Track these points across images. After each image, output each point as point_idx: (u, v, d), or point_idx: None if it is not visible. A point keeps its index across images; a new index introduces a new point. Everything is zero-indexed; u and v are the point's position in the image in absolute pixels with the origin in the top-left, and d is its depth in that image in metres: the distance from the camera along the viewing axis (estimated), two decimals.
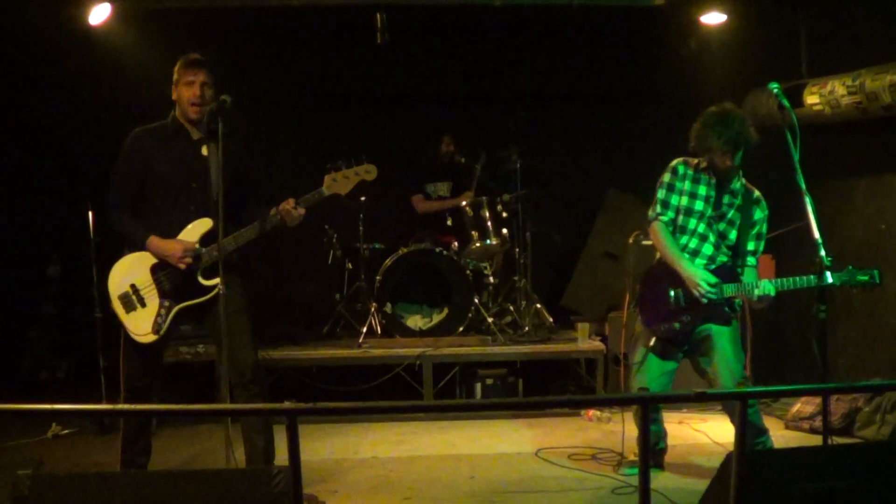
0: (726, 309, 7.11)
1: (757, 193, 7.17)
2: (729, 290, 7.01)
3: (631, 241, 9.78)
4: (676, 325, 7.23)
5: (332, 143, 11.92)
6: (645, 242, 9.61)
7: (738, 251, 7.17)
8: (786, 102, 6.57)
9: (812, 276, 6.46)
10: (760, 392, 7.74)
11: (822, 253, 6.16)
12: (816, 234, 6.20)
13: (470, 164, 11.32)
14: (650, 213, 7.42)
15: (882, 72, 8.38)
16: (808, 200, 6.28)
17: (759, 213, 7.14)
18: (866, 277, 6.34)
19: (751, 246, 7.17)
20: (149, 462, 6.99)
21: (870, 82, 8.47)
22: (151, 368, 6.88)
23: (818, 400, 8.44)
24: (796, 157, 6.38)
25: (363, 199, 10.67)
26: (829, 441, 6.36)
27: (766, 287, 6.82)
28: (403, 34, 10.71)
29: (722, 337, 7.13)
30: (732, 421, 7.34)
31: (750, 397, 6.64)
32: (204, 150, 6.81)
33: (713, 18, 10.47)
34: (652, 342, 7.37)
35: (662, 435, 7.73)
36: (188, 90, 6.75)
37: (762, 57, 10.34)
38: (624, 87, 12.36)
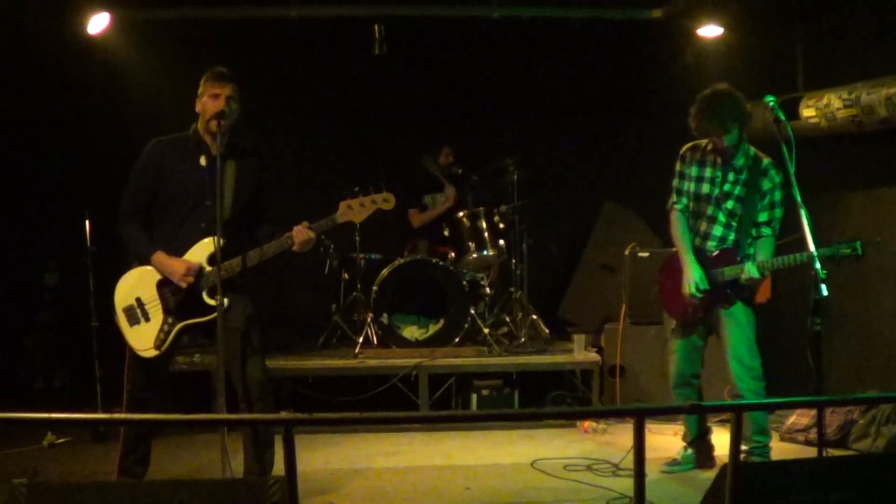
0: (728, 291, 7.28)
1: (766, 162, 7.22)
2: (727, 272, 7.23)
3: (627, 252, 9.82)
4: (689, 309, 7.47)
5: (327, 154, 11.98)
6: (641, 254, 9.66)
7: (745, 227, 7.25)
8: (782, 115, 6.60)
9: (796, 255, 6.60)
10: (755, 405, 7.73)
11: (818, 265, 6.17)
12: (812, 247, 6.23)
13: (468, 175, 11.33)
14: (668, 202, 7.63)
15: (878, 85, 8.40)
16: (803, 213, 6.30)
17: (767, 184, 7.19)
18: (849, 250, 6.45)
19: (763, 217, 7.24)
20: (146, 472, 6.99)
21: (865, 96, 8.49)
22: (155, 381, 6.88)
23: (813, 412, 8.45)
24: (792, 169, 6.41)
25: None
26: (824, 453, 6.38)
27: (750, 269, 7.05)
28: (401, 46, 10.74)
29: (729, 320, 7.39)
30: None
31: (745, 410, 6.65)
32: (229, 167, 6.75)
33: (710, 31, 10.49)
34: (673, 325, 7.69)
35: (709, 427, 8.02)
36: (213, 103, 6.68)
37: (758, 70, 10.36)
38: (621, 100, 12.38)
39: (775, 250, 7.19)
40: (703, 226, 7.41)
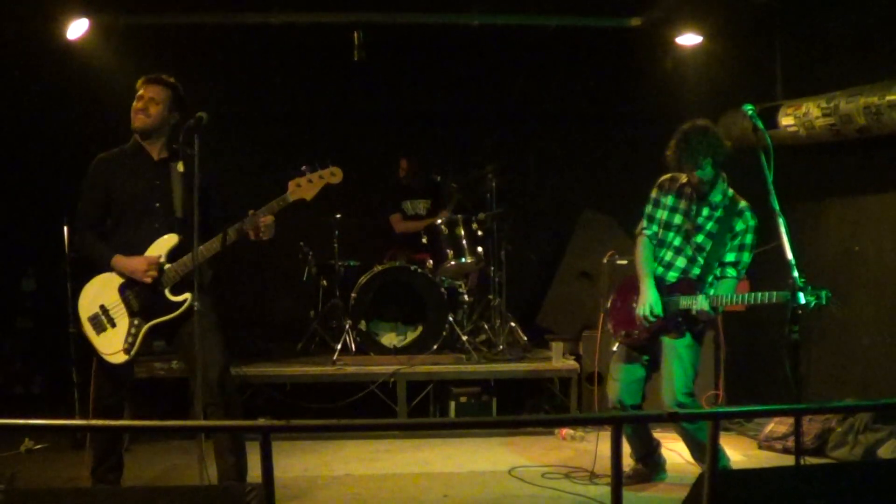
0: (679, 319, 7.26)
1: (742, 204, 7.19)
2: (682, 302, 7.19)
3: (605, 260, 9.82)
4: (635, 332, 7.46)
5: (309, 160, 11.93)
6: (619, 262, 9.67)
7: (710, 262, 7.23)
8: (760, 124, 6.60)
9: (750, 294, 6.64)
10: (733, 412, 7.74)
11: (796, 274, 6.18)
12: (790, 256, 6.23)
13: (446, 182, 11.33)
14: (637, 227, 7.63)
15: (856, 94, 8.43)
16: (781, 221, 6.31)
17: (741, 225, 7.16)
18: (813, 298, 6.32)
19: (730, 257, 7.20)
20: (121, 478, 6.98)
21: (844, 104, 8.52)
22: (121, 386, 6.91)
23: (791, 420, 8.47)
24: (770, 178, 6.41)
25: (338, 215, 10.68)
26: (802, 461, 6.39)
27: (702, 302, 7.04)
28: (380, 52, 10.74)
29: (671, 351, 7.34)
30: (684, 439, 7.48)
31: (722, 417, 6.67)
32: (180, 167, 6.81)
33: (689, 40, 10.53)
34: (615, 347, 7.67)
35: (656, 445, 7.96)
36: (136, 104, 6.86)
37: (737, 78, 10.39)
38: (600, 108, 12.40)
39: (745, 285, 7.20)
40: (668, 256, 7.39)
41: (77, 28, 9.88)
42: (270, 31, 10.89)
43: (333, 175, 7.01)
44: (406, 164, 11.61)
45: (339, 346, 10.23)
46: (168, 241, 6.74)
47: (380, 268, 10.47)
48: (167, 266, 6.71)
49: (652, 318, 7.21)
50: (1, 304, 11.23)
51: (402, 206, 11.48)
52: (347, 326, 10.37)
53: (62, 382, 9.44)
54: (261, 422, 6.32)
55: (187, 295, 6.60)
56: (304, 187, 6.93)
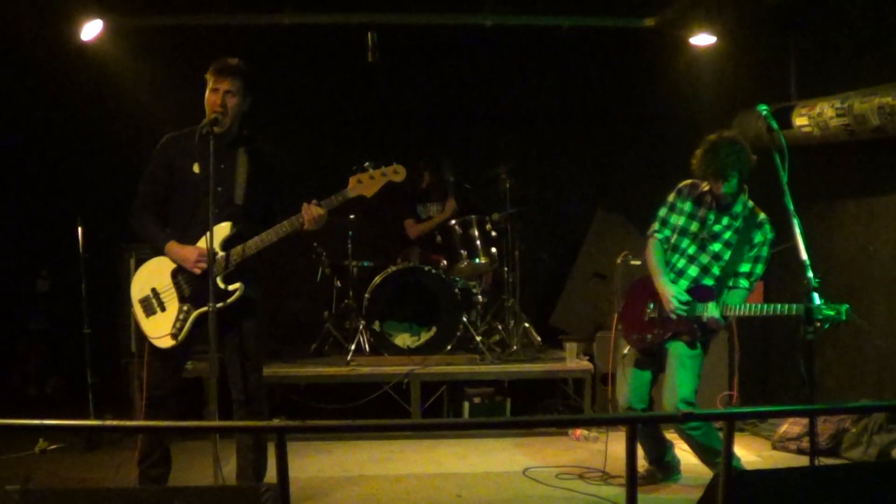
0: (695, 325, 7.22)
1: (761, 217, 7.19)
2: (699, 308, 7.15)
3: (619, 261, 9.79)
4: (648, 336, 7.44)
5: (319, 161, 11.91)
6: (633, 262, 9.64)
7: (727, 272, 7.20)
8: (774, 124, 6.60)
9: (761, 305, 6.65)
10: (748, 413, 7.72)
11: (810, 274, 6.17)
12: (804, 256, 6.22)
13: (460, 183, 11.31)
14: (650, 229, 7.62)
15: (870, 94, 8.41)
16: (796, 222, 6.30)
17: (759, 237, 7.16)
18: (832, 312, 6.28)
19: (744, 268, 7.20)
20: (168, 473, 6.93)
21: (858, 105, 8.50)
22: (170, 378, 6.83)
23: (805, 421, 8.44)
24: (784, 178, 6.40)
25: (352, 216, 10.66)
26: (816, 462, 6.38)
27: (712, 309, 7.05)
28: (394, 53, 10.74)
29: (678, 357, 7.30)
30: (690, 445, 7.43)
31: (737, 418, 6.65)
32: (241, 155, 6.75)
33: (703, 40, 10.49)
34: (626, 351, 7.67)
35: (669, 446, 7.92)
36: (211, 97, 6.67)
37: (751, 78, 10.38)
38: (613, 108, 12.35)
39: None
40: (681, 263, 7.38)
41: (91, 29, 9.89)
42: (283, 32, 10.90)
43: (397, 173, 6.92)
44: (429, 177, 11.57)
45: (352, 347, 10.25)
46: (222, 229, 6.58)
47: (394, 268, 10.45)
48: (220, 255, 6.59)
49: (684, 307, 7.16)
50: (15, 305, 11.25)
51: (416, 210, 11.45)
52: (361, 327, 10.38)
53: (76, 383, 9.45)
54: (276, 422, 6.33)
55: (238, 284, 6.58)
56: (365, 184, 6.84)
